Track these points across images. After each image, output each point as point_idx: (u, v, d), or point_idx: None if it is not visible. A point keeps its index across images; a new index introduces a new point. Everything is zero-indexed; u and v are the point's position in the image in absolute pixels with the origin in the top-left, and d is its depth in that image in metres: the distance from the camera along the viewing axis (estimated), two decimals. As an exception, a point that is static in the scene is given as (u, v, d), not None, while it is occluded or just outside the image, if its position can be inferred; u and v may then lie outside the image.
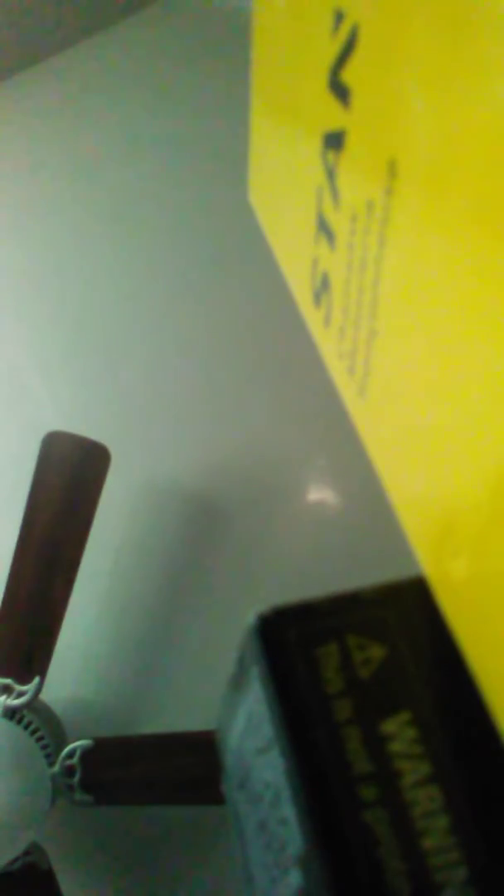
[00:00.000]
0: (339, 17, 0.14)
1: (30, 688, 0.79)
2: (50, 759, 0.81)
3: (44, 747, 0.81)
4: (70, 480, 0.80)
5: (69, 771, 0.80)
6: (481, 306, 0.10)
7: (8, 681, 0.80)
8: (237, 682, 0.15)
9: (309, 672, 0.13)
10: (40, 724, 0.83)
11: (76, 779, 0.80)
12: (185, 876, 0.96)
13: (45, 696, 0.85)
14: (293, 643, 0.14)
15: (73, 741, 0.82)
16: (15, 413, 1.13)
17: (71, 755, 0.80)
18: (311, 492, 0.97)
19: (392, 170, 0.12)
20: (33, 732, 0.81)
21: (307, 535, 0.95)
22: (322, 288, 0.18)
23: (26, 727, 0.81)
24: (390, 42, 0.12)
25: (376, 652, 0.13)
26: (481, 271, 0.10)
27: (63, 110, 1.20)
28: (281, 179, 0.21)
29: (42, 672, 0.81)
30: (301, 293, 0.21)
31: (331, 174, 0.16)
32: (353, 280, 0.16)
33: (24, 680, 0.80)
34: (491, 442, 0.10)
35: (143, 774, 0.80)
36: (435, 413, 0.12)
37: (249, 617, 0.14)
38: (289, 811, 0.13)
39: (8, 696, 0.79)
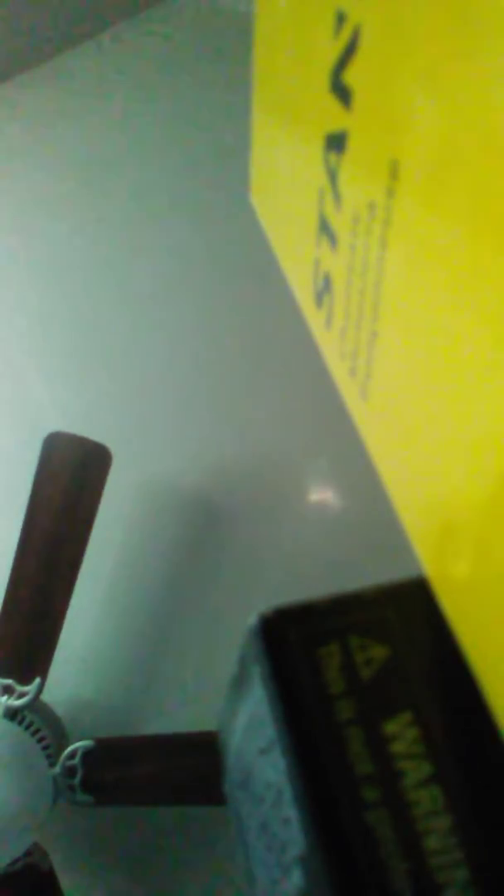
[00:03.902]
0: (340, 18, 0.14)
1: (31, 688, 0.79)
2: (51, 759, 0.81)
3: (45, 748, 0.81)
4: (71, 481, 0.80)
5: (70, 771, 0.80)
6: (483, 308, 0.10)
7: (9, 681, 0.80)
8: (238, 683, 0.15)
9: (310, 673, 0.13)
10: (41, 724, 0.83)
11: (77, 779, 0.80)
12: (185, 876, 0.96)
13: (46, 696, 0.85)
14: (295, 644, 0.14)
15: (75, 742, 0.82)
16: (16, 414, 1.14)
17: (72, 756, 0.80)
18: (313, 492, 0.96)
19: (394, 171, 0.12)
20: (34, 733, 0.81)
21: (308, 535, 0.95)
22: (324, 289, 0.18)
23: (27, 728, 0.81)
24: (392, 43, 0.12)
25: (378, 652, 0.13)
26: (483, 273, 0.10)
27: (64, 112, 1.20)
28: (282, 181, 0.21)
29: (43, 672, 0.81)
30: (303, 294, 0.21)
31: (332, 175, 0.16)
32: (355, 281, 0.16)
33: (25, 680, 0.80)
34: (492, 443, 0.10)
35: (145, 775, 0.80)
36: (436, 414, 0.12)
37: (251, 617, 0.14)
38: (290, 812, 0.13)
39: (9, 697, 0.79)
